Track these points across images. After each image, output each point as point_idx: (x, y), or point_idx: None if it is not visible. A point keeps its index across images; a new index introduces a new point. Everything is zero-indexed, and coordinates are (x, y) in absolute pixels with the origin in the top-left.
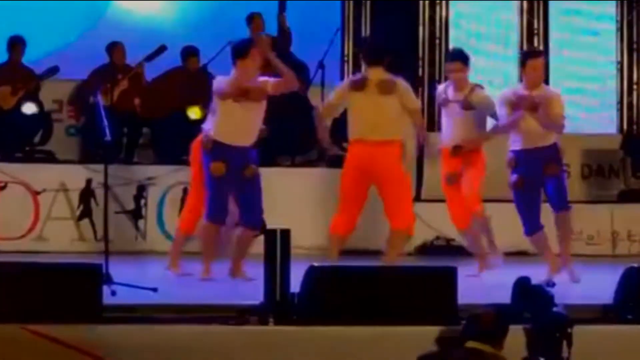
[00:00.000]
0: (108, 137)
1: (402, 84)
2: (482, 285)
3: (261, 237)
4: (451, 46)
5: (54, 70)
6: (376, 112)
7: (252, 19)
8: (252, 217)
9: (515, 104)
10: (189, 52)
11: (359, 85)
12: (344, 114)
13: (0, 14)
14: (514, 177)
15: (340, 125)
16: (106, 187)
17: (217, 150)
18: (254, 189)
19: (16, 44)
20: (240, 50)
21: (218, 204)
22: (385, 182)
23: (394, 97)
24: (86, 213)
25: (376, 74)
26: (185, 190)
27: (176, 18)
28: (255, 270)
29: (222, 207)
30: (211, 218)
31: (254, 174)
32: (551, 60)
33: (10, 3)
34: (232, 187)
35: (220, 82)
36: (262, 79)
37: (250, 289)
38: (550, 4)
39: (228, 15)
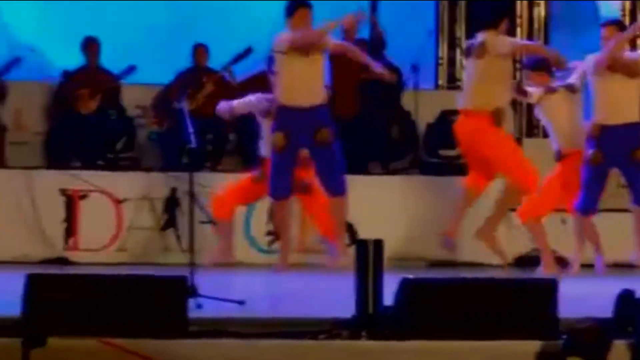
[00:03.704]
0: (193, 144)
1: None
2: (584, 298)
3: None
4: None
5: (131, 70)
6: None
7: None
8: (334, 184)
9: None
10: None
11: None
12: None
13: (78, 16)
14: (591, 151)
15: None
16: (192, 195)
17: (281, 116)
18: (332, 154)
19: (89, 44)
20: (287, 10)
21: (279, 179)
22: None
23: None
24: (171, 223)
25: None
26: None
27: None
28: (345, 283)
29: (285, 184)
30: (273, 195)
31: (328, 138)
32: None
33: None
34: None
35: (276, 38)
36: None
37: (342, 302)
38: None
39: (318, 16)
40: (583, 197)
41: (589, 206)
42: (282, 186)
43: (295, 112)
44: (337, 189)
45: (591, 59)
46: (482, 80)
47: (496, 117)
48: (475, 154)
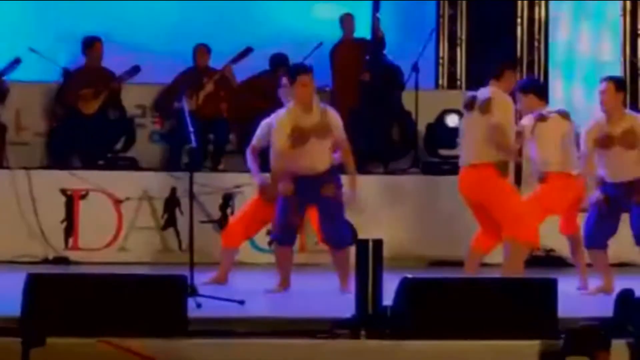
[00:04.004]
0: (194, 144)
1: None
2: (583, 297)
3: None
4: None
5: (134, 71)
6: None
7: (344, 20)
8: (338, 237)
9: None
10: (279, 62)
11: None
12: None
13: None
14: (599, 194)
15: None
16: (191, 195)
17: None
18: (335, 207)
19: (92, 43)
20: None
21: (286, 225)
22: None
23: None
24: (171, 222)
25: None
26: None
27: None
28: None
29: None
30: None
31: (333, 192)
32: None
33: (91, 3)
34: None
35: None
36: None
37: (341, 302)
38: None
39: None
40: (592, 233)
41: (598, 243)
42: (288, 232)
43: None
44: (340, 242)
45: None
46: (487, 135)
47: (502, 168)
48: (481, 205)
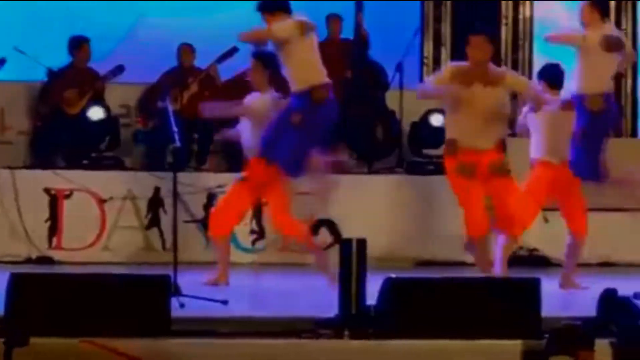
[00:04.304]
0: (178, 143)
1: None
2: (567, 297)
3: (336, 247)
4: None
5: (119, 70)
6: None
7: (331, 21)
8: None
9: None
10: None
11: None
12: None
13: (63, 14)
14: None
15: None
16: (175, 195)
17: None
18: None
19: (81, 44)
20: None
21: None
22: None
23: None
24: (154, 222)
25: None
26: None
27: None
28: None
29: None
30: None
31: None
32: None
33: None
34: None
35: None
36: None
37: (325, 301)
38: None
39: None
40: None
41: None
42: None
43: None
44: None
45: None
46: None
47: None
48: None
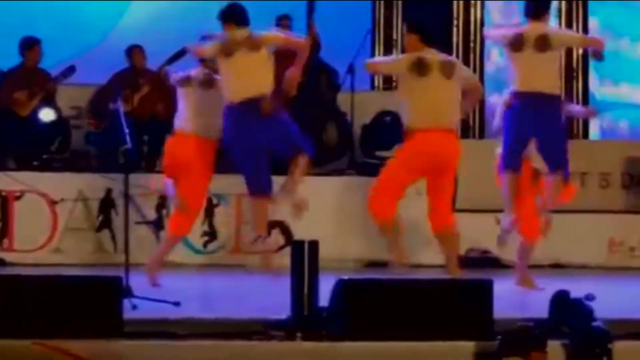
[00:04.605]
0: (129, 145)
1: None
2: (519, 299)
3: (288, 249)
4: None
5: (70, 71)
6: None
7: (281, 21)
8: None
9: None
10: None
11: None
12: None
13: (16, 16)
14: None
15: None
16: (127, 196)
17: None
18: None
19: (32, 45)
20: None
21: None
22: None
23: None
24: (106, 224)
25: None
26: (209, 200)
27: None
28: (280, 284)
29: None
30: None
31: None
32: None
33: (26, 4)
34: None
35: None
36: None
37: (277, 303)
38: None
39: (254, 18)
40: None
41: None
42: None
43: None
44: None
45: None
46: None
47: None
48: None
